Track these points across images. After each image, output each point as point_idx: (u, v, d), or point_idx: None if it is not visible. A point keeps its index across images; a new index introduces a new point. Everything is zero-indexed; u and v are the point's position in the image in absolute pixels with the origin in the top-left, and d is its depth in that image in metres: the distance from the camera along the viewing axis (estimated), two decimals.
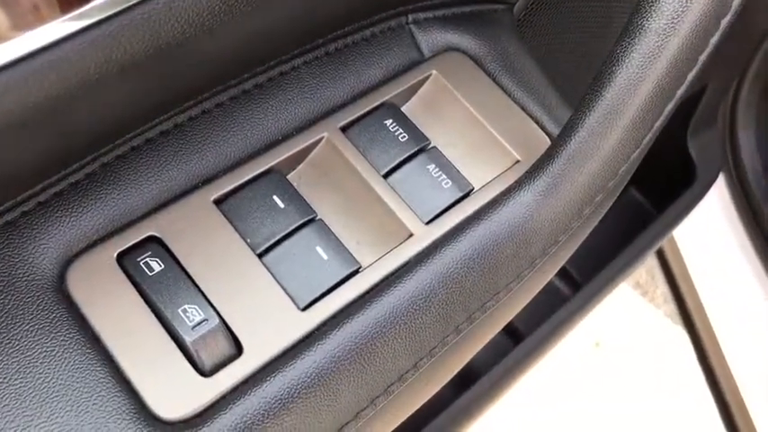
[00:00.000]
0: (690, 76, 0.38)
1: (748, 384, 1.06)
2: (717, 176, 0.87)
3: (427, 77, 0.43)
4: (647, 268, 1.47)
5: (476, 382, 0.82)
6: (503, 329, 0.92)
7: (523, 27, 0.48)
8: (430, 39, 0.45)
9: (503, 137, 0.42)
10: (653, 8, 0.36)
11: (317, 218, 0.38)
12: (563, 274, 0.92)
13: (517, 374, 0.85)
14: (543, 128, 0.43)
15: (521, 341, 0.85)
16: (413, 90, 0.43)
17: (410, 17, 0.44)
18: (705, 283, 1.13)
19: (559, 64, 0.47)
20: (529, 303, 0.93)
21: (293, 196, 0.38)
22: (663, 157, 0.90)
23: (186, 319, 0.33)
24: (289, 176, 0.39)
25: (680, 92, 0.38)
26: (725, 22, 0.37)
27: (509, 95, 0.44)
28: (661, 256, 1.22)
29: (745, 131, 1.04)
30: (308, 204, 0.38)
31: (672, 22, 0.36)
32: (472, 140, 0.42)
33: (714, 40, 0.37)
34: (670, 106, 0.39)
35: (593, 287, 0.88)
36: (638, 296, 1.47)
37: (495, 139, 0.42)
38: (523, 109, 0.44)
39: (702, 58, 0.38)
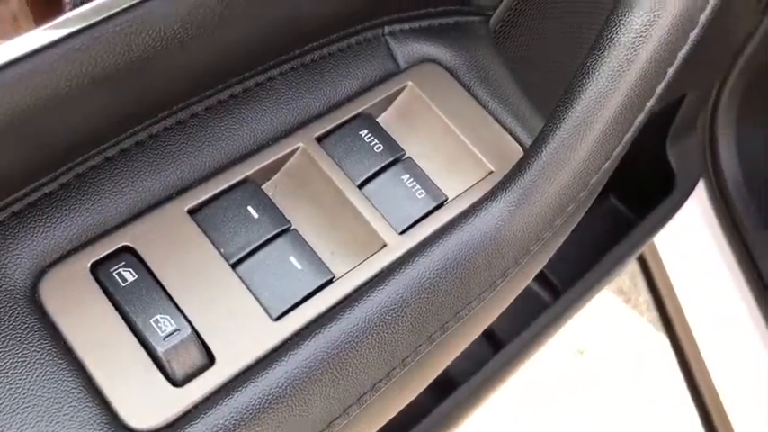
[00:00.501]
0: (659, 89, 0.39)
1: (728, 391, 1.07)
2: (696, 185, 0.88)
3: (403, 88, 0.44)
4: (630, 275, 1.48)
5: (456, 390, 0.82)
6: (483, 337, 0.93)
7: (500, 38, 0.48)
8: (406, 50, 0.45)
9: (477, 147, 0.43)
10: (622, 22, 0.36)
11: (292, 228, 0.38)
12: (543, 281, 0.93)
13: (497, 382, 0.86)
14: (517, 138, 0.44)
15: (501, 348, 0.86)
16: (389, 101, 0.44)
17: (386, 29, 0.45)
18: (686, 291, 1.14)
19: (535, 75, 0.48)
20: (509, 310, 0.94)
21: (268, 206, 0.38)
22: (642, 166, 0.90)
23: (158, 330, 0.33)
24: (264, 186, 0.40)
25: (650, 104, 0.39)
26: (693, 35, 0.37)
27: (483, 106, 0.45)
28: (643, 262, 1.23)
29: (726, 139, 1.05)
30: (282, 214, 0.38)
31: (640, 37, 0.36)
32: (446, 151, 0.43)
33: (683, 53, 0.38)
34: (640, 118, 0.39)
35: (574, 294, 0.89)
36: (622, 303, 1.48)
37: (469, 150, 0.43)
38: (497, 120, 0.44)
39: (671, 71, 0.38)
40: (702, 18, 0.37)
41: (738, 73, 1.00)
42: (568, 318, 0.92)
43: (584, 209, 0.44)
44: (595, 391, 1.37)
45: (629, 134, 0.40)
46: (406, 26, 0.45)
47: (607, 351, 1.43)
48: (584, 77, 0.38)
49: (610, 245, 0.91)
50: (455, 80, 0.45)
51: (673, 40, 0.37)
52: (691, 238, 1.11)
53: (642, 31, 0.36)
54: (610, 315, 1.47)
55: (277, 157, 0.40)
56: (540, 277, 0.92)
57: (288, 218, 0.39)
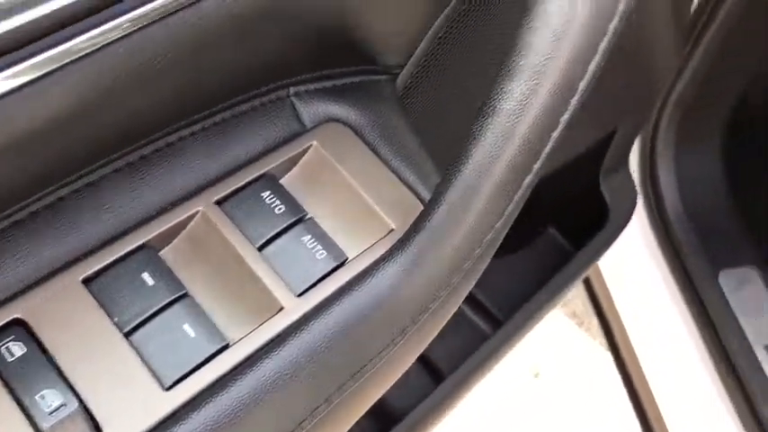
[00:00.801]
0: (545, 152, 0.40)
1: (671, 411, 1.09)
2: (630, 217, 0.90)
3: (308, 148, 0.45)
4: (583, 299, 1.50)
5: (397, 423, 0.83)
6: (424, 369, 0.93)
7: (406, 96, 0.49)
8: (311, 110, 0.46)
9: (379, 206, 0.44)
10: (503, 90, 0.38)
11: (188, 294, 0.39)
12: (484, 312, 0.94)
13: (439, 414, 0.86)
14: (418, 196, 0.45)
15: (442, 381, 0.87)
16: (293, 161, 0.44)
17: (291, 90, 0.46)
18: (630, 315, 1.16)
19: (440, 133, 0.49)
20: (450, 342, 0.94)
21: (164, 273, 0.39)
22: (579, 199, 0.92)
23: (44, 405, 0.34)
24: (162, 252, 0.40)
25: (537, 165, 0.40)
26: (574, 101, 0.39)
27: (387, 164, 0.46)
28: (590, 288, 1.25)
29: (665, 165, 1.08)
30: (178, 281, 0.39)
31: (520, 105, 0.37)
32: (349, 210, 0.44)
33: (565, 118, 0.39)
34: (529, 179, 0.41)
35: (513, 325, 0.90)
36: (575, 326, 1.50)
37: (371, 209, 0.44)
38: (400, 178, 0.45)
39: (555, 134, 0.39)
40: (582, 85, 0.39)
41: (675, 102, 1.03)
42: (509, 348, 0.93)
43: (484, 264, 0.45)
44: (551, 413, 1.38)
45: (520, 194, 0.41)
46: (311, 87, 0.46)
47: (562, 374, 1.44)
48: (471, 142, 0.39)
49: (549, 276, 0.92)
50: (359, 139, 0.46)
51: (554, 106, 0.38)
52: (634, 262, 1.14)
53: (522, 100, 0.37)
54: (564, 338, 1.48)
55: (176, 221, 0.40)
56: (481, 309, 0.94)
57: (185, 284, 0.39)
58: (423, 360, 0.90)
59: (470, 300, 0.93)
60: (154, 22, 0.35)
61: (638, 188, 1.10)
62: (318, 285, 0.41)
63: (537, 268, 0.96)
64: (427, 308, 0.42)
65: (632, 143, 0.89)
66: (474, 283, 0.46)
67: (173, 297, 0.38)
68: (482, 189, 0.39)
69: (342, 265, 0.42)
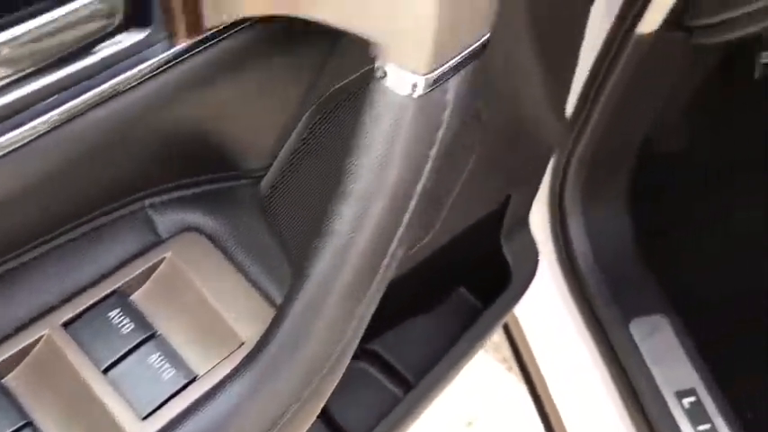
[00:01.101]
0: (384, 265, 0.41)
1: None
2: (533, 277, 0.92)
3: (161, 261, 0.45)
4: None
5: None
6: None
7: (268, 201, 0.50)
8: (167, 220, 0.46)
9: (232, 318, 0.44)
10: (336, 212, 0.39)
11: (32, 424, 0.39)
12: (394, 375, 0.95)
13: None
14: (275, 304, 0.46)
15: None
16: (146, 275, 0.45)
17: (147, 201, 0.46)
18: (548, 364, 1.18)
19: (301, 238, 0.50)
20: (359, 407, 0.94)
21: (4, 403, 0.39)
22: (484, 261, 0.94)
23: None
24: (6, 379, 0.40)
25: (378, 278, 0.41)
26: (407, 218, 0.40)
27: (243, 272, 0.46)
28: (511, 338, 1.27)
29: (574, 221, 1.11)
30: (19, 412, 0.39)
31: (352, 227, 0.38)
32: (201, 324, 0.44)
33: (400, 232, 0.40)
34: (372, 289, 0.41)
35: (424, 387, 0.91)
36: (505, 371, 1.52)
37: (223, 321, 0.44)
38: (256, 285, 0.46)
39: (391, 249, 0.40)
40: (413, 204, 0.40)
41: (578, 162, 1.06)
42: (422, 410, 0.94)
43: (338, 373, 0.45)
44: None
45: (364, 305, 0.42)
46: (168, 197, 0.47)
47: (495, 421, 1.46)
48: (312, 259, 0.40)
49: (460, 335, 0.94)
50: (216, 248, 0.46)
51: (386, 226, 0.39)
52: (548, 313, 1.16)
53: (353, 222, 0.38)
54: (495, 384, 1.50)
55: (20, 347, 0.40)
56: (391, 371, 0.94)
57: (30, 413, 0.39)
58: (332, 426, 0.90)
59: (380, 362, 0.94)
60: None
61: (551, 242, 1.13)
62: (165, 406, 0.41)
63: (448, 327, 0.97)
64: (276, 424, 0.42)
65: (529, 208, 0.91)
66: (330, 391, 0.46)
67: (13, 429, 0.38)
68: (326, 303, 0.40)
69: (191, 382, 0.42)
